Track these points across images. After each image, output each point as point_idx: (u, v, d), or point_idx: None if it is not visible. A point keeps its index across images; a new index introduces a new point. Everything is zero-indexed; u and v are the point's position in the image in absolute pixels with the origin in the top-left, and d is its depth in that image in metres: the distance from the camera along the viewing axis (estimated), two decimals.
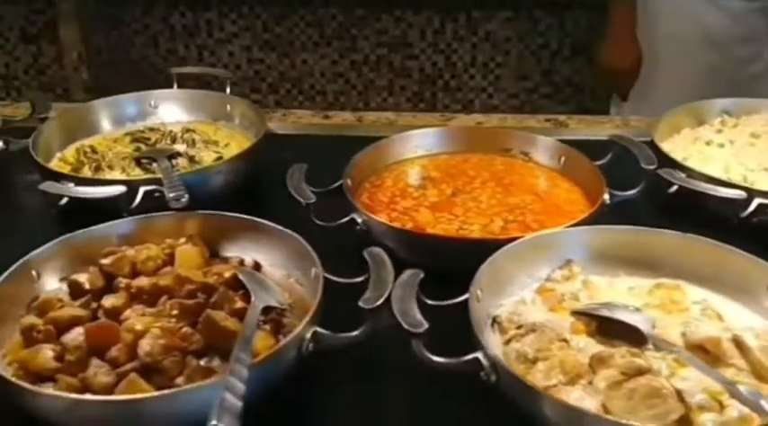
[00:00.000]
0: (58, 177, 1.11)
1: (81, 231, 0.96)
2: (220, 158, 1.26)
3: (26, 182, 1.24)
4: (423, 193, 1.11)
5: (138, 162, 1.23)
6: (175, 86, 1.45)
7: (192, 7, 3.28)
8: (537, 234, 0.92)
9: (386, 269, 0.84)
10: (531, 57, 3.28)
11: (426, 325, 0.75)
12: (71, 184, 1.07)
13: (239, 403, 0.65)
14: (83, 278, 0.91)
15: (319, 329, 0.80)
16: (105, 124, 1.35)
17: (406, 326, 0.75)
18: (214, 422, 0.62)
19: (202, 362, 0.80)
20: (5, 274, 0.88)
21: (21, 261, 0.90)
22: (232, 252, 1.00)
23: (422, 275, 0.83)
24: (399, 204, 1.08)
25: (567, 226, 0.93)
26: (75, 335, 0.79)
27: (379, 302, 0.79)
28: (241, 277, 0.89)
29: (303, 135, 1.47)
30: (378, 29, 3.28)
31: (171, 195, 0.98)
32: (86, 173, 1.19)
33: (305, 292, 0.93)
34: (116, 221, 0.99)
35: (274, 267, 0.97)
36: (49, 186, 1.05)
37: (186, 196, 0.98)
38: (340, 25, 3.29)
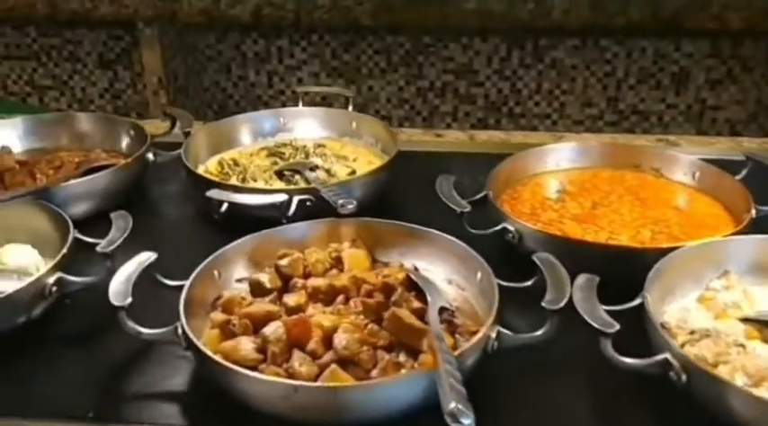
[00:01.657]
0: (211, 186, 1.16)
1: (253, 235, 1.02)
2: (353, 172, 1.31)
3: (177, 191, 1.30)
4: (563, 206, 1.15)
5: (279, 174, 1.29)
6: (301, 104, 1.51)
7: (265, 35, 3.38)
8: (702, 242, 0.95)
9: (560, 272, 0.88)
10: (597, 85, 3.32)
11: (617, 326, 0.79)
12: (231, 192, 1.12)
13: (463, 389, 0.69)
14: (264, 278, 0.96)
15: (503, 329, 0.84)
16: (243, 139, 1.41)
17: (597, 326, 0.79)
18: (453, 405, 0.65)
19: (390, 357, 0.84)
20: (194, 275, 0.93)
21: (205, 262, 0.96)
22: (389, 256, 1.04)
23: (597, 280, 0.86)
24: (542, 216, 1.12)
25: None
26: (275, 328, 0.84)
27: (563, 303, 0.83)
28: (415, 278, 0.93)
29: (420, 151, 1.52)
30: (444, 56, 3.34)
31: (340, 202, 1.03)
32: (233, 182, 1.25)
33: (468, 295, 0.97)
34: (282, 227, 1.04)
35: (432, 271, 1.01)
36: (216, 193, 1.11)
37: (354, 203, 1.03)
38: (407, 53, 3.36)
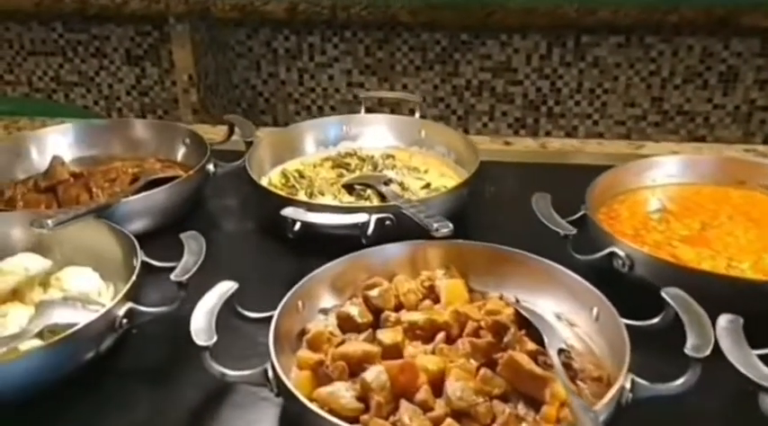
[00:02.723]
0: (282, 203, 1.07)
1: (337, 261, 0.92)
2: (428, 185, 1.21)
3: (237, 205, 1.21)
4: (668, 227, 1.04)
5: (347, 187, 1.19)
6: (363, 111, 1.41)
7: (297, 31, 3.29)
8: None
9: (698, 313, 0.78)
10: (640, 84, 3.21)
11: None
12: (307, 211, 1.03)
13: None
14: (354, 311, 0.87)
15: (638, 379, 0.74)
16: (305, 148, 1.32)
17: (755, 380, 0.69)
18: None
19: (508, 408, 0.75)
20: (281, 307, 0.83)
21: (290, 293, 0.86)
22: (484, 285, 0.95)
23: (741, 321, 0.76)
24: (646, 237, 1.02)
25: None
26: (377, 375, 0.75)
27: (708, 351, 0.73)
28: (527, 316, 0.83)
29: (491, 161, 1.42)
30: (482, 53, 3.24)
31: (435, 226, 0.93)
32: (302, 197, 1.16)
33: (581, 332, 0.87)
34: (365, 250, 0.95)
35: (535, 303, 0.91)
36: (292, 212, 1.01)
37: (450, 226, 0.94)
38: (443, 50, 3.27)
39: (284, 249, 1.07)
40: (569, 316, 0.89)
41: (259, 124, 3.58)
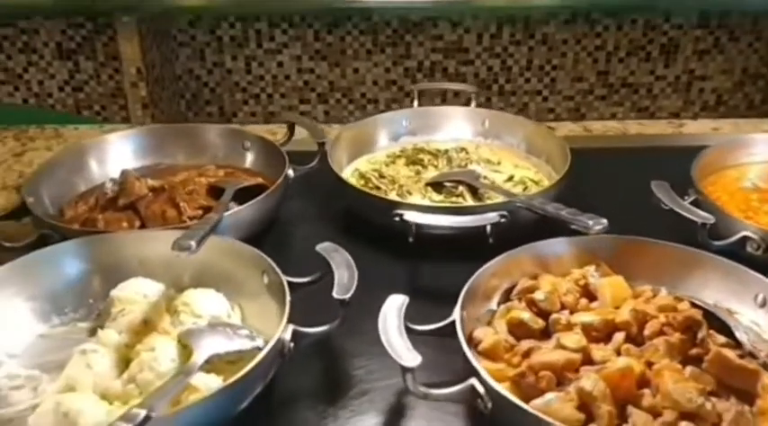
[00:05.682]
0: (390, 206, 1.03)
1: (488, 265, 0.89)
2: (511, 178, 1.20)
3: (314, 208, 1.16)
4: None
5: (434, 185, 1.16)
6: (416, 103, 1.37)
7: (242, 18, 3.18)
8: None
9: None
10: (587, 59, 3.30)
11: None
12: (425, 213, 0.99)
13: None
14: (525, 316, 0.84)
15: None
16: (370, 146, 1.27)
17: None
18: None
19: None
20: (458, 317, 0.80)
21: (460, 301, 0.83)
22: (634, 280, 0.93)
23: None
24: (756, 218, 1.04)
25: None
26: (594, 383, 0.73)
27: None
28: (714, 311, 0.83)
29: None
30: (433, 35, 3.24)
31: (590, 222, 0.91)
32: (393, 197, 1.12)
33: (747, 319, 0.88)
34: (513, 251, 0.92)
35: (699, 297, 0.89)
36: (412, 216, 0.97)
37: (605, 221, 0.92)
38: (394, 32, 3.24)
39: (396, 254, 1.03)
40: (728, 305, 0.89)
41: (203, 116, 3.44)
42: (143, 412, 0.65)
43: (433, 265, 1.02)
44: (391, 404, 0.83)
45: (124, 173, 1.09)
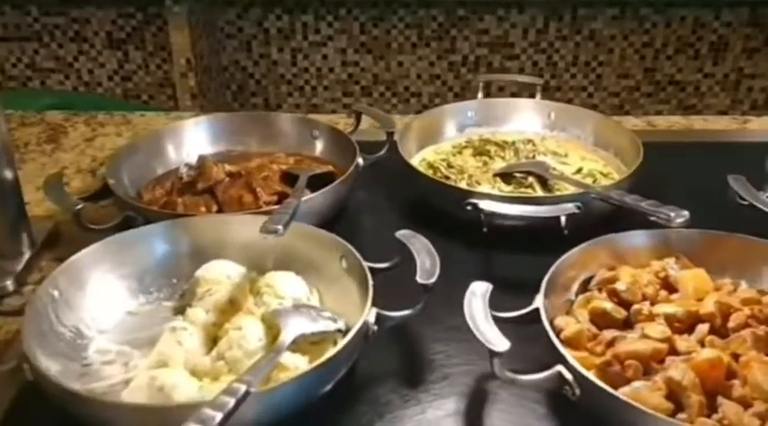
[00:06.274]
0: (463, 195, 1.04)
1: (569, 254, 0.89)
2: (580, 170, 1.20)
3: (381, 197, 1.17)
4: None
5: (503, 176, 1.17)
6: (480, 95, 1.38)
7: (289, 10, 3.20)
8: None
9: None
10: (634, 56, 3.27)
11: None
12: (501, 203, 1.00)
13: None
14: (608, 306, 0.85)
15: None
16: (436, 136, 1.28)
17: None
18: None
19: None
20: (541, 304, 0.81)
21: (542, 288, 0.83)
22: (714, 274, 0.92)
23: None
24: None
25: None
26: (683, 372, 0.73)
27: None
28: None
29: None
30: (479, 29, 3.24)
31: (671, 214, 0.92)
32: (463, 187, 1.12)
33: None
34: (592, 241, 0.92)
35: None
36: (488, 205, 0.98)
37: (686, 213, 0.92)
38: (440, 26, 3.25)
39: (467, 243, 1.04)
40: None
41: (248, 107, 3.47)
42: (243, 387, 0.67)
43: (505, 254, 1.03)
44: (472, 389, 0.84)
45: (202, 159, 1.11)
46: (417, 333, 0.91)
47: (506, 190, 1.14)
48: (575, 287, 0.91)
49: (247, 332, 0.81)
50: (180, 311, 0.89)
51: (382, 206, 1.17)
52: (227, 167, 1.07)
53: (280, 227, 0.85)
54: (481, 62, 3.32)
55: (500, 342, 0.73)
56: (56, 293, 0.82)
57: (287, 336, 0.78)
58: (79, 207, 0.96)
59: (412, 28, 3.27)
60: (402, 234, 0.90)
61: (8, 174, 0.96)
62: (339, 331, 0.84)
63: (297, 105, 3.36)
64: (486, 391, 0.84)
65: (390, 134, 1.17)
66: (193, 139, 1.19)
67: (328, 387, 0.78)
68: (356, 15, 3.25)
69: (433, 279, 0.83)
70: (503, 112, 1.33)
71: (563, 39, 3.26)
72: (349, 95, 3.40)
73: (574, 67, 3.35)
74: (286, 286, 0.89)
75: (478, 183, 1.15)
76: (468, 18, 3.23)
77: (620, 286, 0.86)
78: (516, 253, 1.00)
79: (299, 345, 0.81)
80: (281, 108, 3.37)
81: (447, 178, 1.16)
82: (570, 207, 0.97)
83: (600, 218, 1.04)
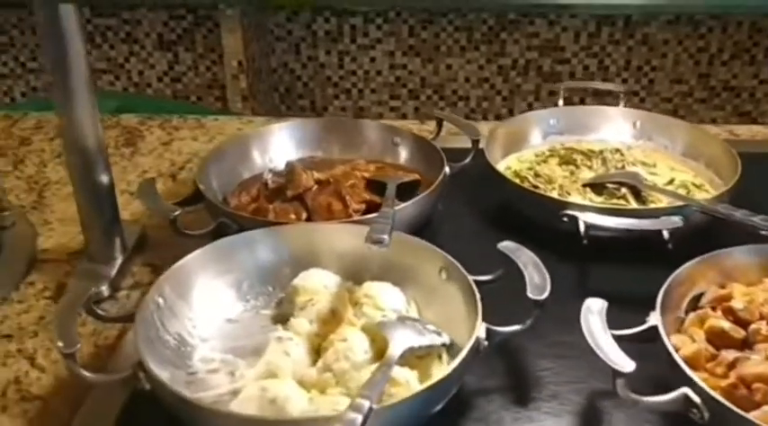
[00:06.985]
0: (558, 207, 1.01)
1: (682, 269, 0.86)
2: (671, 181, 1.17)
3: (466, 206, 1.15)
4: None
5: (592, 186, 1.14)
6: (561, 103, 1.35)
7: (338, 13, 3.20)
8: None
9: None
10: (688, 61, 3.21)
11: None
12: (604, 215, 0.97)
13: None
14: (725, 325, 0.82)
15: None
16: (520, 144, 1.25)
17: None
18: None
19: None
20: (659, 322, 0.78)
21: (657, 304, 0.81)
22: None
23: None
24: None
25: None
26: None
27: None
28: None
29: None
30: (529, 32, 3.20)
31: None
32: (555, 197, 1.10)
33: None
34: (704, 257, 0.89)
35: None
36: (589, 217, 0.96)
37: None
38: (490, 29, 3.22)
39: (562, 255, 1.01)
40: None
41: (296, 109, 3.46)
42: (367, 403, 0.65)
43: (606, 268, 1.00)
44: (584, 408, 0.81)
45: (290, 165, 1.09)
46: (522, 349, 0.88)
47: (598, 201, 1.11)
48: (684, 304, 0.88)
49: (353, 344, 0.79)
50: (278, 320, 0.88)
51: (468, 215, 1.15)
52: (316, 174, 1.05)
53: (385, 237, 0.83)
54: (531, 66, 3.29)
55: (625, 363, 0.71)
56: (161, 301, 0.81)
57: (395, 349, 0.76)
58: (177, 213, 0.95)
59: (461, 31, 3.25)
60: (505, 246, 0.88)
61: (104, 178, 0.95)
62: (444, 345, 0.82)
63: (343, 108, 3.35)
64: (599, 410, 0.81)
65: (475, 141, 1.15)
66: (277, 145, 1.18)
67: (442, 404, 0.76)
68: (405, 18, 3.24)
69: (545, 295, 0.80)
70: (586, 120, 1.30)
71: (615, 43, 3.22)
72: (396, 98, 3.39)
73: (626, 72, 3.31)
74: (385, 297, 0.87)
75: (568, 193, 1.12)
76: (518, 21, 3.20)
77: (737, 304, 0.83)
78: (617, 267, 0.98)
79: (406, 359, 0.79)
80: (327, 110, 3.37)
81: (536, 187, 1.13)
82: (676, 220, 0.94)
83: (698, 231, 1.01)
